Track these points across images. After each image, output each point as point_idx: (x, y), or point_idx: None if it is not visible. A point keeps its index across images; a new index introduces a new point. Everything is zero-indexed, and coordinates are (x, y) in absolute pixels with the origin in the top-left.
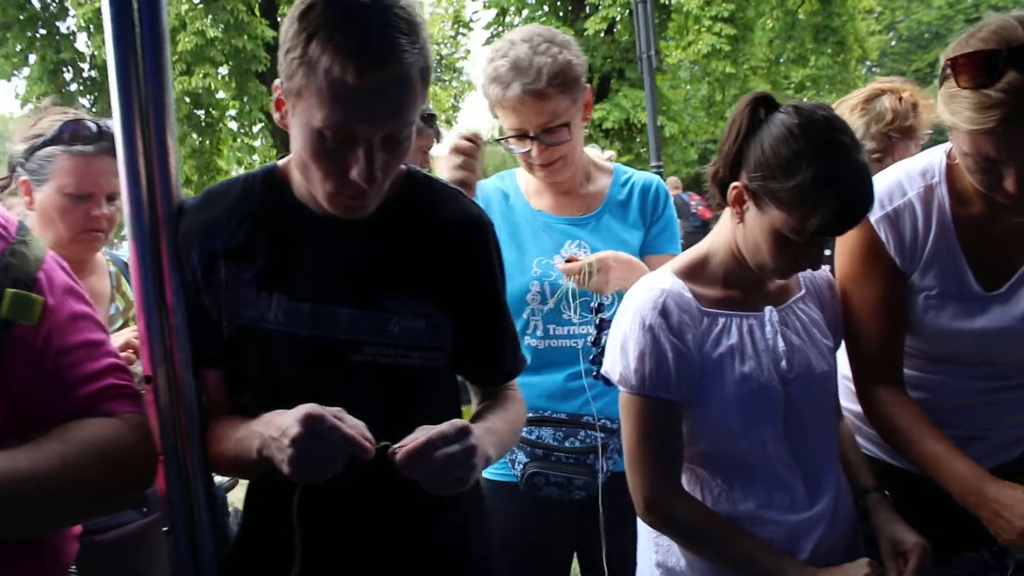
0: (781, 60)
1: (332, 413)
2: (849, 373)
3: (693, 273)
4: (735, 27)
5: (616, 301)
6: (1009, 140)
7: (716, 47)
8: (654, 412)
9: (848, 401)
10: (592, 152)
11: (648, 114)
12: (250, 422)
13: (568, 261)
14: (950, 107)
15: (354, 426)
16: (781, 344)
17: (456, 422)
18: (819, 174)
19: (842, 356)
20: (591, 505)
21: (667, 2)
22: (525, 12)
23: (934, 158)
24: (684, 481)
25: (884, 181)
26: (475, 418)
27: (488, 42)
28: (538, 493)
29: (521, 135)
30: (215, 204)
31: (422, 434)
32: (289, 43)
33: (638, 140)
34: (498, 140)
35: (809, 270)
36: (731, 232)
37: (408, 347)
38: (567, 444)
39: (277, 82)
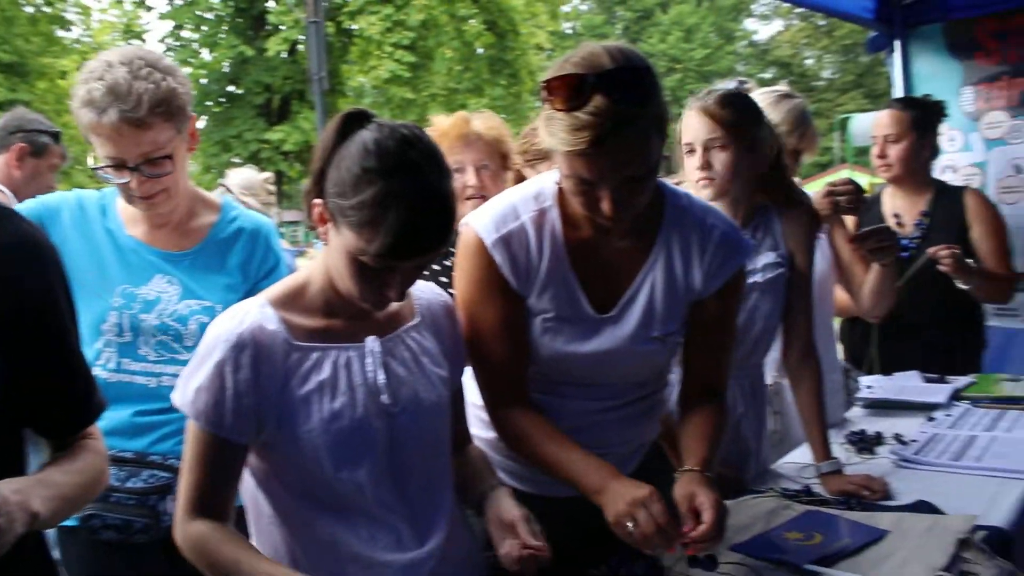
0: (459, 89)
1: None
2: (478, 401)
3: (290, 301)
4: (416, 55)
5: None
6: (600, 161)
7: (397, 73)
8: (206, 443)
9: (478, 429)
10: (247, 174)
11: (319, 136)
12: None
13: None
14: (548, 129)
15: None
16: (382, 376)
17: None
18: (381, 192)
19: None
20: (154, 551)
21: (349, 26)
22: (204, 28)
23: (547, 182)
24: (287, 528)
25: (499, 204)
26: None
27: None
28: (96, 537)
29: (119, 165)
30: None
31: None
32: None
33: None
34: (94, 169)
35: (428, 296)
36: (326, 256)
37: None
38: (129, 484)
39: None
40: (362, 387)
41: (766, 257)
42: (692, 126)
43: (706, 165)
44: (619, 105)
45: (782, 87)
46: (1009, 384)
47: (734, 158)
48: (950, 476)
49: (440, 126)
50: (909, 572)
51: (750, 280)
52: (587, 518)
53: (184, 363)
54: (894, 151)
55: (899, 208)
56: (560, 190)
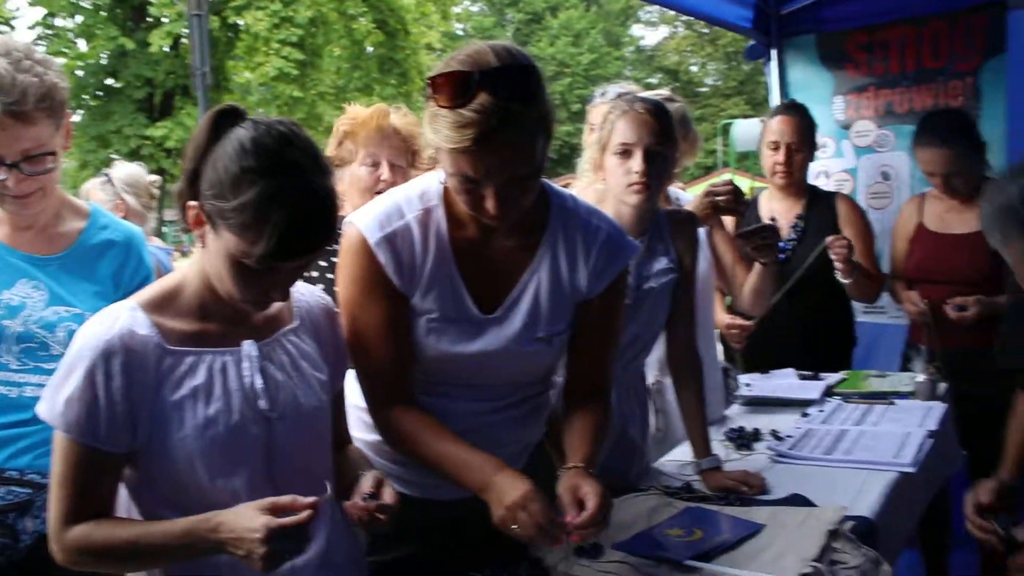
0: (348, 88)
1: None
2: (360, 403)
3: (163, 305)
4: (304, 52)
5: None
6: (484, 159)
7: (284, 71)
8: (80, 456)
9: (360, 432)
10: (134, 170)
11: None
12: None
13: None
14: (433, 127)
15: None
16: (259, 381)
17: None
18: (263, 193)
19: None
20: (11, 573)
21: (235, 21)
22: (79, 17)
23: (432, 181)
24: None
25: (384, 203)
26: None
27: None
28: None
29: None
30: None
31: None
32: None
33: None
34: None
35: (307, 299)
36: (202, 259)
37: None
38: None
39: None
40: (238, 392)
41: (660, 263)
42: (633, 130)
43: (647, 170)
44: (504, 103)
45: (664, 91)
46: (876, 380)
47: (672, 164)
48: (822, 469)
49: (358, 116)
50: (784, 564)
51: (646, 286)
52: (471, 520)
53: (50, 372)
54: (798, 159)
55: (776, 212)
56: (446, 189)
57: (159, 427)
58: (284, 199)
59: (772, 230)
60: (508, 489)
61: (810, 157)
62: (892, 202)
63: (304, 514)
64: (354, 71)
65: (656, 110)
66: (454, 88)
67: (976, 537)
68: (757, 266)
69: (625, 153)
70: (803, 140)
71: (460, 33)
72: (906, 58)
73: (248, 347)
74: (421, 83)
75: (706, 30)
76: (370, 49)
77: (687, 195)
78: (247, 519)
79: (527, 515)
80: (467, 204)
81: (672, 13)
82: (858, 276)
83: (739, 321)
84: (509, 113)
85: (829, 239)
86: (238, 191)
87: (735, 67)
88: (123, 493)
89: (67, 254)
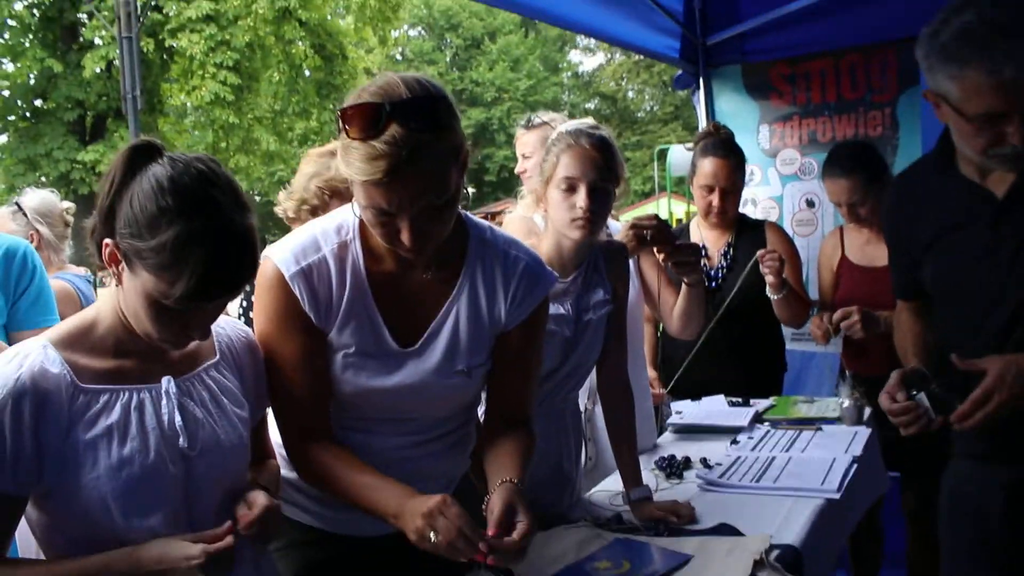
0: (286, 112)
1: None
2: (278, 439)
3: (76, 342)
4: (240, 76)
5: None
6: (397, 190)
7: (220, 95)
8: None
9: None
10: (46, 198)
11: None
12: None
13: None
14: (345, 159)
15: None
16: (178, 419)
17: None
18: (182, 234)
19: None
20: None
21: (171, 44)
22: (5, 35)
23: (348, 215)
24: None
25: (300, 237)
26: None
27: None
28: None
29: None
30: None
31: None
32: None
33: None
34: None
35: (228, 332)
36: (117, 295)
37: None
38: None
39: None
40: (155, 430)
41: (597, 295)
42: (579, 165)
43: (591, 206)
44: (415, 134)
45: (588, 120)
46: (804, 405)
47: (614, 199)
48: (751, 497)
49: None
50: None
51: (586, 318)
52: (393, 556)
53: None
54: (732, 199)
55: (706, 240)
56: (362, 222)
57: (70, 468)
58: (203, 239)
59: (695, 248)
60: (421, 502)
61: (741, 191)
62: (817, 229)
63: (229, 539)
64: (292, 95)
65: (602, 145)
66: (365, 120)
67: (904, 425)
68: (684, 288)
69: (570, 188)
70: (736, 181)
71: (399, 58)
72: (827, 89)
73: (167, 383)
74: None
75: (641, 57)
76: (308, 73)
77: (616, 224)
78: (180, 547)
79: (445, 520)
80: (383, 237)
81: None
82: (788, 293)
83: (653, 390)
84: (420, 144)
85: (760, 252)
86: (156, 231)
87: (671, 93)
88: (31, 540)
89: None
